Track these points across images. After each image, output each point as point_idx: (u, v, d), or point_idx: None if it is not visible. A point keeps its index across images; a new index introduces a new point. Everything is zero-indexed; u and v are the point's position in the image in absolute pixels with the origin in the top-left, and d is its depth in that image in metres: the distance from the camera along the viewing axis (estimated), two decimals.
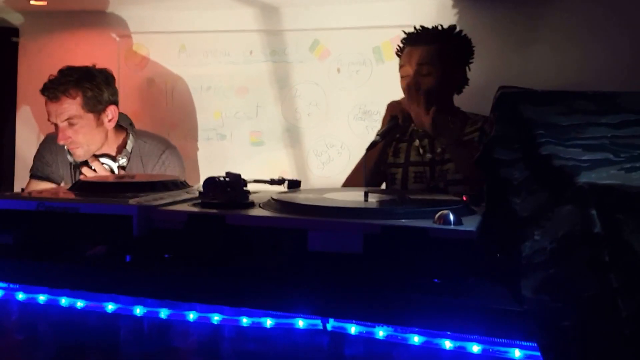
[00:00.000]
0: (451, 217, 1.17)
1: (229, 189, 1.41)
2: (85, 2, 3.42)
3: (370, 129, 3.25)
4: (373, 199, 1.44)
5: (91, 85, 2.74)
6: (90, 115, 2.74)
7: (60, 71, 2.77)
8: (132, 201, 1.39)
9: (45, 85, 2.74)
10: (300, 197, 1.46)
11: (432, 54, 2.47)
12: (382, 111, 3.15)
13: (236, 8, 3.34)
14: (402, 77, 2.54)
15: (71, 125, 2.72)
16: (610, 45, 2.83)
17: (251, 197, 1.46)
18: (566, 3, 2.92)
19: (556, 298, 1.05)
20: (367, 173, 2.56)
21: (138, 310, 1.41)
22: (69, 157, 2.82)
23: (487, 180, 1.28)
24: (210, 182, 1.41)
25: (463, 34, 2.58)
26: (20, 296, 1.49)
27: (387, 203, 1.41)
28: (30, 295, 1.49)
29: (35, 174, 2.94)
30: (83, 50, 3.63)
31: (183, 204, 1.43)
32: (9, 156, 3.79)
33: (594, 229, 1.00)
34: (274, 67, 3.41)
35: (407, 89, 2.49)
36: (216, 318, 1.36)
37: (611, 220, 0.99)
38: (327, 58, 3.31)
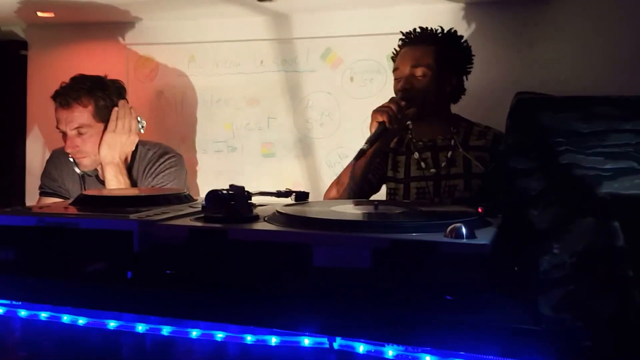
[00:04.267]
0: (463, 230, 1.11)
1: (232, 202, 1.36)
2: (93, 14, 3.41)
3: None
4: (382, 211, 1.39)
5: (103, 94, 2.74)
6: (101, 125, 2.75)
7: (73, 78, 2.77)
8: (132, 216, 1.35)
9: (57, 91, 2.74)
10: (305, 210, 1.41)
11: (429, 56, 2.40)
12: None
13: (246, 16, 3.33)
14: (395, 79, 2.47)
15: (80, 134, 2.72)
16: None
17: (257, 210, 1.42)
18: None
19: (577, 316, 0.99)
20: (354, 183, 2.47)
21: (140, 328, 1.37)
22: (76, 168, 2.81)
23: (503, 191, 1.24)
24: (213, 195, 1.36)
25: (464, 39, 2.51)
26: (23, 313, 1.47)
27: (395, 216, 1.36)
28: (33, 313, 1.46)
29: (44, 191, 2.95)
30: (92, 61, 3.63)
31: (185, 218, 1.38)
32: (19, 169, 3.79)
33: (617, 243, 0.94)
34: (286, 77, 3.38)
35: (399, 91, 2.41)
36: (220, 335, 1.31)
37: (636, 233, 0.93)
38: (339, 66, 3.28)
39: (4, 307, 1.48)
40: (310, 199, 1.69)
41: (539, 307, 1.04)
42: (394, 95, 2.45)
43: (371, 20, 3.20)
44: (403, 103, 2.34)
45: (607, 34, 2.80)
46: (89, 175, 2.89)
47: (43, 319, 1.45)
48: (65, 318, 1.43)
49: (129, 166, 2.85)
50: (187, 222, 1.34)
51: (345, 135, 3.31)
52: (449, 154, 2.40)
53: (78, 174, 2.87)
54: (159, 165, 2.86)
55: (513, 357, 1.09)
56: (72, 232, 1.36)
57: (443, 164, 2.44)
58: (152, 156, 2.88)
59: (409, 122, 2.49)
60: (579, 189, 1.03)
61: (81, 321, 1.42)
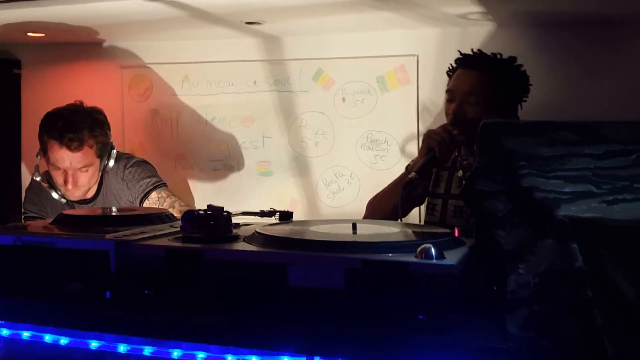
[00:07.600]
0: (433, 251, 1.13)
1: (211, 222, 1.37)
2: (84, 35, 3.39)
3: (378, 158, 3.23)
4: (359, 231, 1.40)
5: (102, 131, 2.73)
6: (99, 161, 2.74)
7: (71, 116, 2.69)
8: (109, 236, 1.36)
9: (58, 131, 2.65)
10: (282, 230, 1.43)
11: (484, 83, 2.32)
12: (389, 140, 3.13)
13: (239, 38, 3.34)
14: (447, 100, 2.38)
15: (81, 171, 2.70)
16: None
17: (240, 230, 1.43)
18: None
19: (542, 336, 1.01)
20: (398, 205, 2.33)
21: (122, 348, 1.38)
22: (53, 194, 2.79)
23: (473, 213, 1.25)
24: (190, 215, 1.37)
25: (522, 69, 2.41)
26: (5, 332, 1.47)
27: (369, 236, 1.37)
28: (15, 332, 1.46)
29: (26, 216, 2.95)
30: (86, 81, 3.64)
31: (163, 238, 1.39)
32: (15, 189, 3.75)
33: (576, 264, 0.96)
34: (279, 97, 3.39)
35: (451, 116, 2.32)
36: (201, 356, 1.32)
37: (593, 255, 0.95)
38: (331, 87, 3.29)
39: None
40: (307, 216, 1.71)
41: (507, 326, 1.06)
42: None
43: (361, 43, 3.22)
44: (455, 132, 2.27)
45: None
46: (64, 201, 2.85)
47: (25, 338, 1.45)
48: (47, 337, 1.43)
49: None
50: (165, 242, 1.35)
51: (340, 155, 3.32)
52: None
53: (59, 202, 2.83)
54: (123, 181, 2.84)
55: None
56: (49, 251, 1.38)
57: None
58: (113, 172, 2.84)
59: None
60: (540, 212, 1.05)
61: (63, 341, 1.42)
